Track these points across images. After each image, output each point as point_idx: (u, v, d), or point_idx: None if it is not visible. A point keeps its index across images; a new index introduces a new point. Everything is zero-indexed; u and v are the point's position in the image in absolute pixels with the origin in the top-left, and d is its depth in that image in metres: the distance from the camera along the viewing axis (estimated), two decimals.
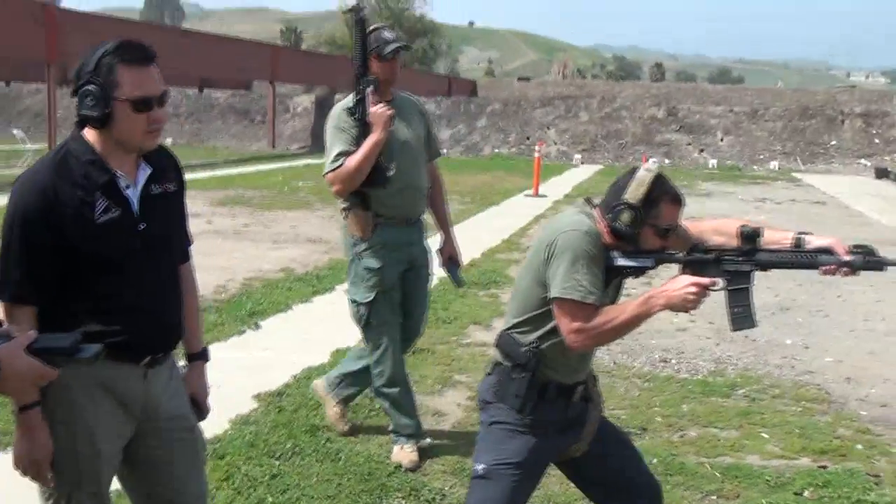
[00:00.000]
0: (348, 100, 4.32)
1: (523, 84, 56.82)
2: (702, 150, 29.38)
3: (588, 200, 2.88)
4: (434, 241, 4.73)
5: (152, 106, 2.36)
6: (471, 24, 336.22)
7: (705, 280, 2.62)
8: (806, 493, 4.24)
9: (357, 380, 4.74)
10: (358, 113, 4.23)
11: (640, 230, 2.69)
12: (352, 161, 4.19)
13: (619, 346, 6.75)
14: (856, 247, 2.72)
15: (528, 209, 15.50)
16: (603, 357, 6.42)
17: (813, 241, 2.73)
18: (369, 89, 4.23)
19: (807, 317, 7.98)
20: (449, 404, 5.33)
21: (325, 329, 6.87)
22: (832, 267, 2.68)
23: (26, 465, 2.35)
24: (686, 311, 2.65)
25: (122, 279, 2.40)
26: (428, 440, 4.62)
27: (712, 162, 28.26)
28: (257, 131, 32.77)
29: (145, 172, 2.47)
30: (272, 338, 6.65)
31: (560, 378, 2.82)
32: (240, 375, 5.59)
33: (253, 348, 6.35)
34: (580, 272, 2.65)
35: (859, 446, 4.88)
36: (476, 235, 11.81)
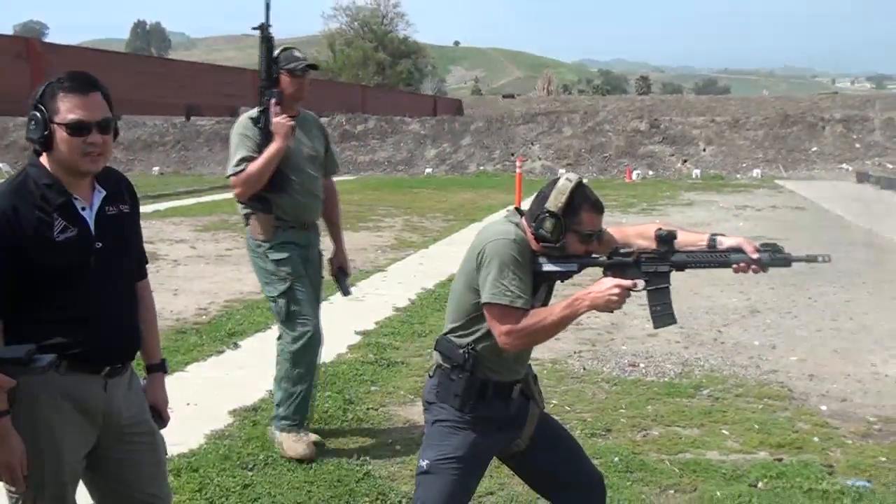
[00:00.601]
0: (253, 110, 4.58)
1: (508, 101, 57.25)
2: (685, 161, 29.63)
3: (517, 209, 3.05)
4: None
5: (89, 130, 2.52)
6: (456, 43, 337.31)
7: (627, 282, 2.79)
8: (760, 484, 4.40)
9: (302, 403, 4.89)
10: (261, 122, 4.50)
11: (563, 236, 2.85)
12: (254, 166, 4.48)
13: (590, 352, 6.94)
14: (763, 245, 2.89)
15: None
16: (573, 363, 6.59)
17: (725, 242, 2.90)
18: (273, 101, 4.49)
19: (776, 318, 8.16)
20: (420, 414, 5.42)
21: None
22: (743, 264, 2.84)
23: (1, 471, 2.50)
24: (610, 311, 2.81)
25: (81, 294, 2.57)
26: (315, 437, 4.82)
27: (696, 172, 28.48)
28: None
29: (100, 195, 2.65)
30: (250, 356, 6.79)
31: (497, 377, 2.98)
32: (217, 393, 5.74)
33: (231, 367, 6.49)
34: (507, 278, 2.82)
35: (816, 439, 5.05)
36: (457, 251, 11.96)
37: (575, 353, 6.90)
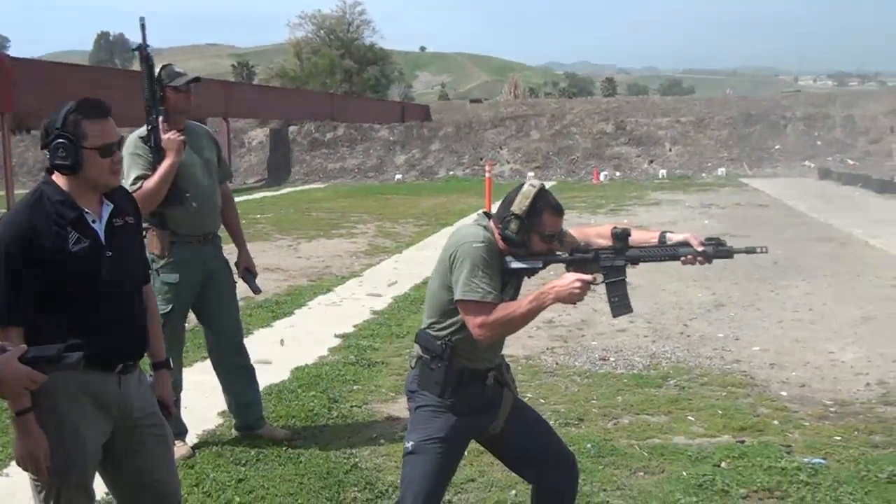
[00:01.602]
0: (142, 129, 4.72)
1: (476, 106, 57.63)
2: (651, 161, 30.10)
3: (486, 213, 3.33)
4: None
5: (114, 151, 2.82)
6: (422, 49, 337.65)
7: (587, 276, 3.07)
8: (723, 464, 4.70)
9: (243, 406, 5.24)
10: (151, 140, 4.66)
11: (527, 237, 3.15)
12: (150, 183, 4.61)
13: (562, 348, 7.23)
14: (708, 239, 3.19)
15: None
16: (546, 359, 6.88)
17: (674, 237, 3.20)
18: (160, 118, 4.66)
19: (739, 311, 8.49)
20: (402, 410, 5.72)
21: (285, 350, 7.27)
22: (690, 257, 3.14)
23: (27, 461, 2.76)
24: (573, 303, 3.10)
25: (95, 299, 2.83)
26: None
27: (662, 172, 28.96)
28: None
29: (108, 208, 2.91)
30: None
31: (472, 365, 3.26)
32: (204, 397, 5.94)
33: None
34: (478, 276, 3.10)
35: (776, 422, 5.37)
36: (431, 255, 12.23)
37: (548, 349, 7.19)
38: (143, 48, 4.64)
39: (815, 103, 44.34)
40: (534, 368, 6.61)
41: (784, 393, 5.95)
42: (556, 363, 6.78)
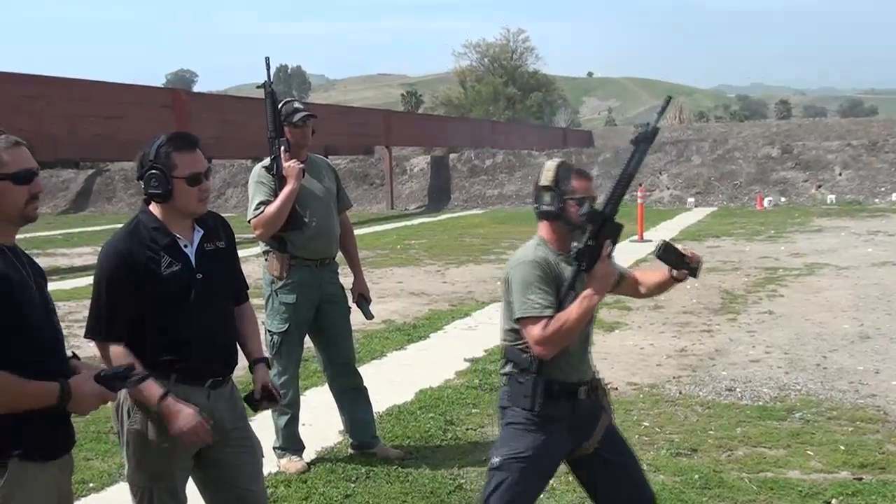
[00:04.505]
0: (266, 160, 5.04)
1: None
2: (819, 186, 28.96)
3: None
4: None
5: (201, 180, 3.07)
6: (590, 74, 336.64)
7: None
8: (834, 502, 4.54)
9: (356, 425, 5.46)
10: (273, 169, 4.96)
11: (563, 205, 3.25)
12: (271, 208, 4.93)
13: (689, 377, 7.12)
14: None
15: (631, 254, 15.72)
16: (670, 388, 6.80)
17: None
18: (282, 149, 4.95)
19: (885, 343, 8.12)
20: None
21: (413, 372, 7.47)
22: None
23: (188, 434, 2.98)
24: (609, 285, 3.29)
25: (186, 318, 3.07)
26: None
27: (830, 197, 27.81)
28: (377, 193, 34.00)
29: (199, 234, 3.17)
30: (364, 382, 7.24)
31: (562, 376, 3.29)
32: (329, 415, 6.18)
33: None
34: (531, 293, 3.18)
35: None
36: None
37: (674, 378, 7.10)
38: (267, 85, 5.00)
39: None
40: (655, 397, 6.55)
41: None
42: (680, 392, 6.68)
